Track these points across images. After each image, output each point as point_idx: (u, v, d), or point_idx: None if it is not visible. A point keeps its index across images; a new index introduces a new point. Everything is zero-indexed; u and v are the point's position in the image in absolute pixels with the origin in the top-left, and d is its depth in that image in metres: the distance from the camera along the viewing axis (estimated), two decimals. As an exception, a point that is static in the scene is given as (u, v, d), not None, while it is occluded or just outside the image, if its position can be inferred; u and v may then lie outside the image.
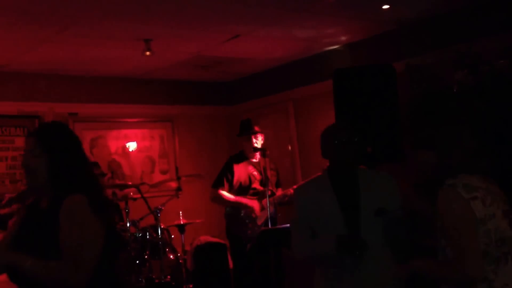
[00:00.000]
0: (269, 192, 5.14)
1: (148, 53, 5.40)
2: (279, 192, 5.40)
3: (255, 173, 5.34)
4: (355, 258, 2.86)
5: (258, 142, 5.31)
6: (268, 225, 5.11)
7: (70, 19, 4.66)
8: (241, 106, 7.52)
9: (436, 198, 2.34)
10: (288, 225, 5.00)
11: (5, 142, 6.17)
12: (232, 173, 5.28)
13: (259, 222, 5.26)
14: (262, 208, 5.25)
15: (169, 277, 5.30)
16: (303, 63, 6.64)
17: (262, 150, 5.23)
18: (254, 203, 5.25)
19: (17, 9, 4.35)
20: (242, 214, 5.25)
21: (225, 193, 5.25)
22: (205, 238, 6.00)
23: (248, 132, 5.33)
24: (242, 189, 5.28)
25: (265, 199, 5.14)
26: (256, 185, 5.31)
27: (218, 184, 5.29)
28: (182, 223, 5.68)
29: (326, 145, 3.11)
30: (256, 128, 5.34)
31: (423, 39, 5.41)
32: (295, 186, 5.27)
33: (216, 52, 6.09)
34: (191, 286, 5.59)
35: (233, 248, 5.46)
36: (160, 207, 5.40)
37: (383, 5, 4.97)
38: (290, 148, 6.91)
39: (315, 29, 5.56)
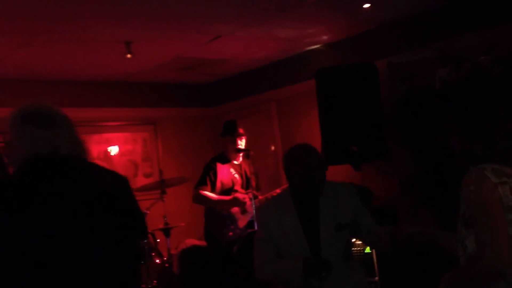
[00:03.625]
0: (251, 195, 5.11)
1: (129, 55, 5.35)
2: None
3: (237, 175, 5.31)
4: (320, 280, 2.89)
5: (242, 144, 5.28)
6: (251, 228, 5.09)
7: (48, 23, 4.58)
8: (223, 107, 7.49)
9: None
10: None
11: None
12: (215, 173, 5.23)
13: (241, 224, 5.23)
14: (244, 211, 5.21)
15: (155, 281, 5.25)
16: (285, 63, 6.63)
17: (246, 151, 5.21)
18: (235, 207, 5.21)
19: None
20: (224, 213, 5.21)
21: (208, 193, 5.19)
22: (190, 241, 5.96)
23: (232, 134, 5.30)
24: (224, 191, 5.24)
25: (248, 202, 5.12)
26: (237, 187, 5.28)
27: (201, 184, 5.23)
28: (167, 226, 5.63)
29: (292, 170, 3.06)
30: (241, 130, 5.32)
31: (404, 37, 5.43)
32: (278, 190, 5.29)
33: (197, 54, 6.05)
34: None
35: (212, 250, 5.41)
36: (144, 211, 5.35)
37: (364, 4, 4.97)
38: (273, 148, 6.89)
39: (296, 29, 5.55)
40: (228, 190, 5.24)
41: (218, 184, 5.22)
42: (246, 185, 5.19)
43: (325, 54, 6.16)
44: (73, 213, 2.00)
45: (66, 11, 4.38)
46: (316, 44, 6.17)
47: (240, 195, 5.20)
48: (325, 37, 5.95)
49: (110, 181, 2.21)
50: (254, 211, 5.06)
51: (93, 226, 2.03)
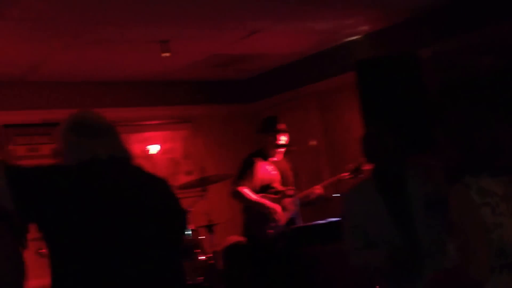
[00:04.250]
0: (291, 192, 5.05)
1: (166, 54, 5.35)
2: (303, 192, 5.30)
3: (275, 172, 5.25)
4: (412, 271, 2.79)
5: (283, 140, 5.23)
6: (292, 224, 5.04)
7: (87, 25, 4.63)
8: (261, 103, 7.44)
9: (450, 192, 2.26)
10: (319, 221, 4.98)
11: (32, 150, 6.18)
12: (252, 170, 5.18)
13: (281, 222, 5.17)
14: (284, 209, 5.16)
15: (201, 278, 5.25)
16: (323, 55, 6.53)
17: (287, 147, 5.15)
18: (276, 206, 5.16)
19: (33, 19, 4.34)
20: (264, 211, 5.15)
21: (246, 191, 5.16)
22: (234, 238, 5.94)
23: (273, 130, 5.24)
24: (262, 188, 5.20)
25: (287, 199, 5.06)
26: (276, 184, 5.22)
27: (239, 180, 5.21)
28: (210, 224, 5.63)
29: (372, 151, 3.05)
30: (282, 126, 5.25)
31: (445, 25, 5.28)
32: (318, 186, 5.23)
33: (233, 50, 6.02)
34: (223, 287, 5.55)
35: (251, 247, 5.38)
36: (188, 208, 5.35)
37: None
38: (314, 143, 6.79)
39: (334, 20, 5.47)
40: (266, 187, 5.20)
41: (257, 180, 5.18)
42: (286, 182, 5.13)
43: (364, 45, 6.04)
44: (123, 209, 2.12)
45: (106, 14, 4.42)
46: (355, 35, 6.06)
47: (277, 207, 5.16)
48: (364, 28, 5.84)
49: (151, 180, 2.33)
50: (294, 208, 5.02)
51: (142, 221, 2.16)
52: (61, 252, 2.07)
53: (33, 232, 2.16)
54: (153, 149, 6.93)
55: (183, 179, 6.81)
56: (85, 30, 4.72)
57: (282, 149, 5.24)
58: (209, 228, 5.67)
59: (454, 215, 2.21)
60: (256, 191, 5.17)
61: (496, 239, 2.14)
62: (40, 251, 3.89)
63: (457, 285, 2.26)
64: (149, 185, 2.28)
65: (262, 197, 5.17)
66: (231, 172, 6.00)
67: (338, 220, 4.40)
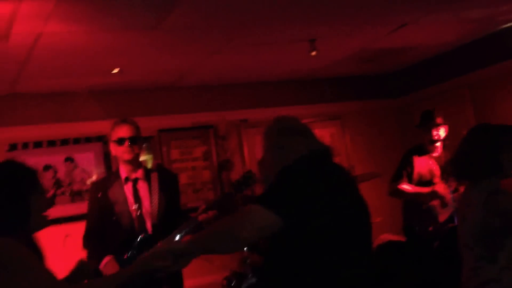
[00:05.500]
0: (452, 188, 4.86)
1: (313, 53, 5.37)
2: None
3: (435, 167, 5.08)
4: None
5: (440, 134, 5.05)
6: (452, 222, 4.83)
7: (237, 29, 4.75)
8: (409, 97, 7.22)
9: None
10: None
11: (184, 153, 6.45)
12: (411, 166, 5.08)
13: (441, 218, 4.99)
14: (444, 205, 4.97)
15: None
16: (476, 45, 6.19)
17: (442, 142, 4.96)
18: (436, 202, 4.98)
19: (187, 27, 4.51)
20: (423, 208, 5.02)
21: (404, 186, 5.07)
22: (386, 237, 5.83)
23: (427, 124, 5.08)
24: (422, 184, 5.06)
25: (448, 195, 4.87)
26: (437, 179, 5.05)
27: (397, 178, 5.12)
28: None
29: None
30: (438, 120, 5.08)
31: None
32: None
33: (380, 44, 5.89)
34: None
35: (411, 245, 5.24)
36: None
37: None
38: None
39: (488, 8, 5.17)
40: (426, 183, 5.05)
41: (416, 177, 5.07)
42: (447, 177, 4.95)
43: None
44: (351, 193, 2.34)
45: (255, 16, 4.51)
46: (511, 22, 5.70)
47: (440, 187, 4.97)
48: (521, 13, 5.48)
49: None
50: (454, 205, 4.80)
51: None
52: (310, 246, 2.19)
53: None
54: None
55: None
56: (237, 33, 4.85)
57: (440, 143, 5.07)
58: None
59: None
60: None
61: None
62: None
63: None
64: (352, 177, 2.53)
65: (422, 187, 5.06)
66: (380, 169, 5.90)
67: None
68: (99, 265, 3.59)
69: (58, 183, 5.77)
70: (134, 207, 3.72)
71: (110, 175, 4.06)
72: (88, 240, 3.81)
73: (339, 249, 2.18)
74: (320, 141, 2.47)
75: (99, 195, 3.79)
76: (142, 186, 3.80)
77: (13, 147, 5.67)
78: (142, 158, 6.07)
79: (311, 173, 2.25)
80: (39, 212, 2.30)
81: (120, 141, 3.77)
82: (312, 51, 5.34)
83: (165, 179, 3.88)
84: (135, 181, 3.80)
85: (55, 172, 5.79)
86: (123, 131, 3.78)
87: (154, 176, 3.84)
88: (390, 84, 7.43)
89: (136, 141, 3.80)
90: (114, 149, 3.81)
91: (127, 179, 3.80)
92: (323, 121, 7.10)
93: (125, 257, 3.58)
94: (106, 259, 3.58)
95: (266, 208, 2.14)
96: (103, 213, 3.76)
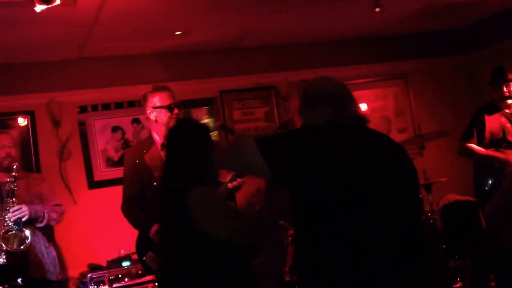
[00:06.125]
0: None
1: (377, 9, 5.23)
2: None
3: (509, 125, 4.92)
4: None
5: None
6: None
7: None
8: (478, 54, 6.96)
9: None
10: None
11: (246, 114, 6.47)
12: (482, 124, 4.93)
13: None
14: None
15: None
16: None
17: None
18: (509, 155, 4.84)
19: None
20: (495, 166, 4.87)
21: (474, 146, 4.94)
22: (453, 197, 5.71)
23: (497, 80, 4.91)
24: (494, 142, 4.91)
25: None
26: (510, 137, 4.89)
27: (467, 137, 5.00)
28: (427, 182, 5.48)
29: None
30: (510, 76, 4.89)
31: None
32: None
33: (448, -1, 5.69)
34: (444, 246, 5.38)
35: (481, 205, 5.12)
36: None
37: None
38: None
39: None
40: (499, 141, 4.90)
41: (487, 135, 4.92)
42: None
43: None
44: (365, 171, 2.16)
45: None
46: None
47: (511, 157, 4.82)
48: None
49: (388, 145, 2.35)
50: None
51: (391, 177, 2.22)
52: (312, 215, 2.14)
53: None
54: (363, 107, 6.87)
55: (396, 137, 6.68)
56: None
57: (506, 100, 4.89)
58: (427, 186, 5.52)
59: None
60: (487, 147, 4.92)
61: None
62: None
63: None
64: (386, 150, 2.29)
65: (495, 151, 4.91)
66: (448, 127, 5.76)
67: None
68: (147, 233, 3.61)
69: (126, 143, 5.93)
70: None
71: (144, 141, 4.06)
72: (129, 208, 3.82)
73: (337, 222, 2.10)
74: (351, 109, 2.35)
75: (136, 161, 3.82)
76: None
77: (83, 109, 5.86)
78: (204, 120, 6.13)
79: (308, 142, 2.18)
80: (215, 163, 2.57)
81: (170, 108, 3.81)
82: (377, 7, 5.20)
83: None
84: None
85: (123, 133, 5.95)
86: (168, 98, 3.84)
87: None
88: (458, 40, 7.16)
89: (180, 107, 3.89)
90: (159, 115, 3.83)
91: (163, 145, 3.70)
92: (387, 80, 6.97)
93: None
94: (156, 226, 3.53)
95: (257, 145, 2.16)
96: (143, 179, 3.78)
